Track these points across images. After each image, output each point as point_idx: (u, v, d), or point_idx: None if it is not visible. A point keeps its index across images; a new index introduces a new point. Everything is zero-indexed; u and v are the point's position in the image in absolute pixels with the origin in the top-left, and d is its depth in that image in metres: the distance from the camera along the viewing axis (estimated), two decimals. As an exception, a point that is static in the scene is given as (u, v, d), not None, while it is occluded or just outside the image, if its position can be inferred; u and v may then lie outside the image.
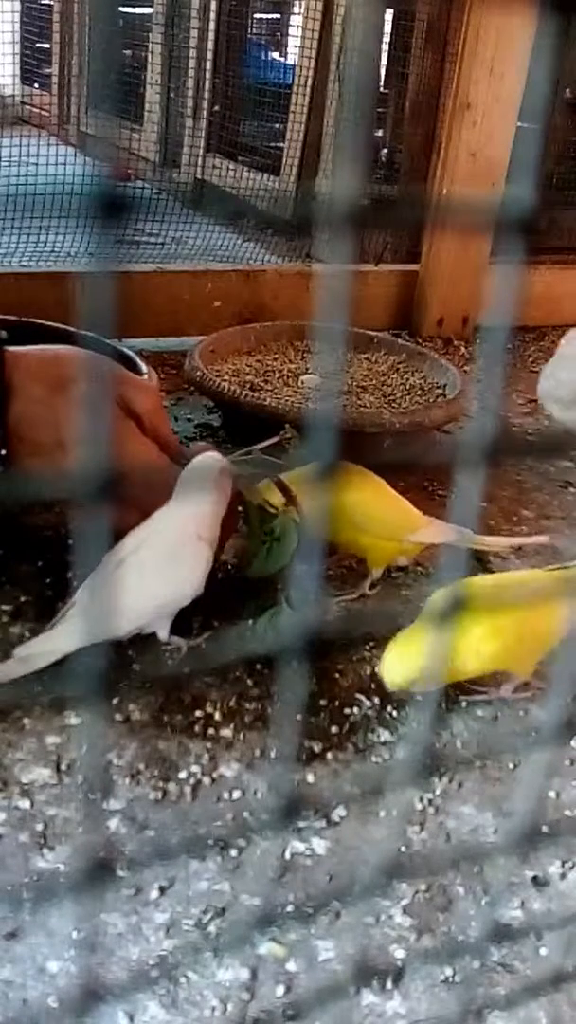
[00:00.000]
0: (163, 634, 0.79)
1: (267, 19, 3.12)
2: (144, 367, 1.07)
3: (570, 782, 0.73)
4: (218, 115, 2.55)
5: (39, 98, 3.21)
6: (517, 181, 0.25)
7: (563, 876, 0.65)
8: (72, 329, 1.05)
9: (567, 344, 1.32)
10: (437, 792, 0.71)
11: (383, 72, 2.27)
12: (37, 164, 2.01)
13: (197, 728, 0.74)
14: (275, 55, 3.04)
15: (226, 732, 0.74)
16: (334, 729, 0.76)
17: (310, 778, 0.71)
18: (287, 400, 1.22)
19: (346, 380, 1.33)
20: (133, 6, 2.91)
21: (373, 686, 0.79)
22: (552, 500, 1.18)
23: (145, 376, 1.05)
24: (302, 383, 1.31)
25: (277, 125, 2.38)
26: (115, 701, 0.75)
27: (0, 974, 0.55)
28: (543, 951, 0.60)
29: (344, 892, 0.63)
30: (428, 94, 1.79)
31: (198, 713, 0.76)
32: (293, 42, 2.43)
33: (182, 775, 0.70)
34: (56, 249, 1.75)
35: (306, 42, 2.17)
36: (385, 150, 2.32)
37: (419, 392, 1.32)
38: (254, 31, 2.76)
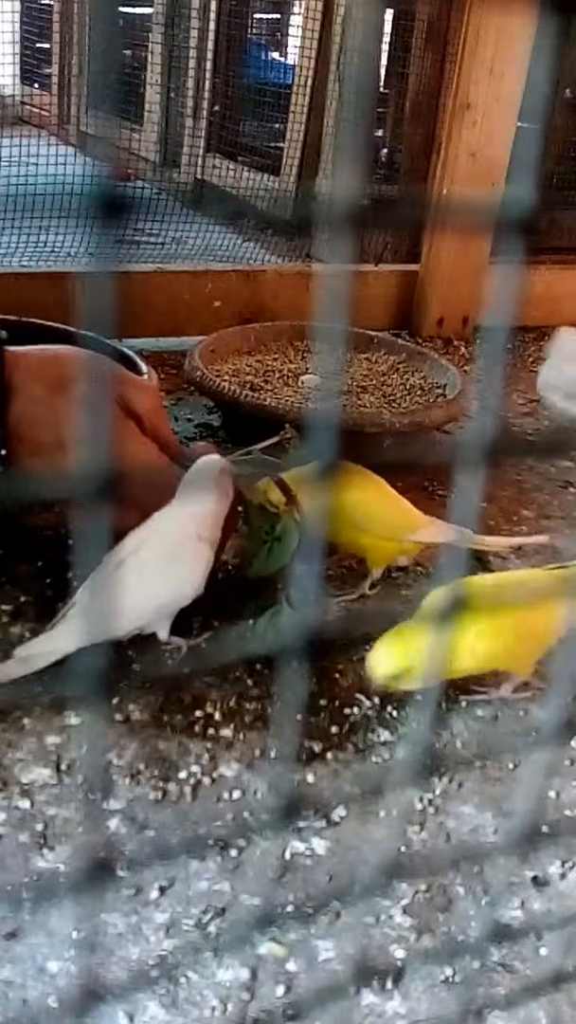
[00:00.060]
0: (163, 634, 0.79)
1: (267, 19, 3.12)
2: (144, 367, 1.07)
3: (570, 782, 0.73)
4: (218, 115, 2.55)
5: (39, 98, 3.21)
6: (517, 181, 0.25)
7: (563, 876, 0.65)
8: (72, 329, 1.05)
9: (565, 338, 1.35)
10: (437, 792, 0.71)
11: (383, 72, 2.27)
12: (37, 164, 2.01)
13: (197, 728, 0.74)
14: (275, 55, 3.04)
15: (226, 732, 0.74)
16: (334, 729, 0.76)
17: (310, 778, 0.71)
18: (287, 400, 1.22)
19: (346, 380, 1.33)
20: (133, 6, 2.91)
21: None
22: (552, 500, 1.18)
23: (145, 376, 1.05)
24: (302, 383, 1.31)
25: (277, 125, 2.38)
26: (115, 701, 0.75)
27: (0, 974, 0.55)
28: (543, 951, 0.60)
29: (344, 892, 0.63)
30: (428, 94, 1.79)
31: (198, 713, 0.76)
32: (293, 42, 2.43)
33: (182, 775, 0.70)
34: (56, 249, 1.75)
35: (306, 42, 2.17)
36: (385, 150, 2.32)
37: (419, 392, 1.32)
38: (254, 31, 2.76)
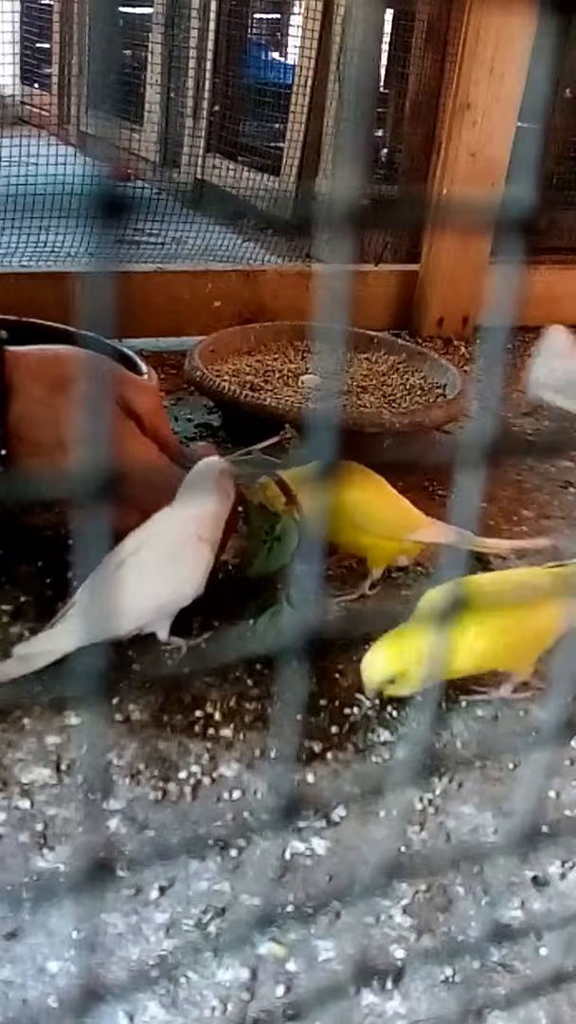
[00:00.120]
0: (163, 634, 0.79)
1: (267, 19, 3.12)
2: (144, 367, 1.07)
3: (570, 782, 0.73)
4: (218, 115, 2.55)
5: (39, 98, 3.21)
6: (517, 181, 0.25)
7: (563, 876, 0.65)
8: (72, 329, 1.05)
9: (555, 335, 1.36)
10: (437, 792, 0.71)
11: (383, 72, 2.27)
12: (37, 164, 2.01)
13: (197, 728, 0.74)
14: (275, 55, 3.04)
15: (226, 732, 0.74)
16: (334, 729, 0.76)
17: (310, 778, 0.71)
18: (287, 400, 1.22)
19: (346, 380, 1.33)
20: (133, 6, 2.91)
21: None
22: (552, 500, 1.18)
23: (145, 376, 1.05)
24: (302, 383, 1.31)
25: (277, 125, 2.38)
26: (115, 701, 0.75)
27: (0, 974, 0.55)
28: (543, 951, 0.60)
29: (344, 892, 0.63)
30: (428, 94, 1.79)
31: (198, 713, 0.76)
32: (293, 42, 2.43)
33: (182, 775, 0.70)
34: (56, 249, 1.75)
35: (306, 42, 2.17)
36: (385, 150, 2.32)
37: (419, 392, 1.32)
38: (254, 31, 2.76)
